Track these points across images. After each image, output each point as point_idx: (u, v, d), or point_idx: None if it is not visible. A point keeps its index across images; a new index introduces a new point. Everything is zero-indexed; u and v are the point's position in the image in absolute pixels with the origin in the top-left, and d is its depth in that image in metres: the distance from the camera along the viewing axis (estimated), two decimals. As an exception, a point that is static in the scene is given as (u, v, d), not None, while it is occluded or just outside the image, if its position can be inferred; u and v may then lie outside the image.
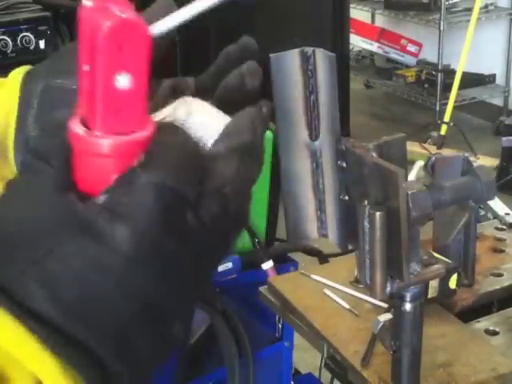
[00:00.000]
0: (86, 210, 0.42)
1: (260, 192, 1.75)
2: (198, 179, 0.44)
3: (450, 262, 1.06)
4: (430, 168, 1.05)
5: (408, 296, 0.92)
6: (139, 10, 0.47)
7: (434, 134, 4.64)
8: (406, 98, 5.37)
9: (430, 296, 1.03)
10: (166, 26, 0.45)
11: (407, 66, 5.51)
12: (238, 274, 1.75)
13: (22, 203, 0.44)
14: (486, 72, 5.19)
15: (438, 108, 4.96)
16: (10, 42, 2.98)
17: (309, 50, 0.67)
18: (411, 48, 5.50)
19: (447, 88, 4.74)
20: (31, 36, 3.01)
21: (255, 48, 0.54)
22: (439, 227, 1.19)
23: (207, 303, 1.75)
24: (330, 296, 1.28)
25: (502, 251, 1.39)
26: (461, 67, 4.60)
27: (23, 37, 3.00)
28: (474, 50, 4.66)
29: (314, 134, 0.73)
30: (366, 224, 0.79)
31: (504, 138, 4.21)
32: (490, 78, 5.20)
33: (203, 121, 0.47)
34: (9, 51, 2.97)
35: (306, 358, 2.50)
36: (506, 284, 1.29)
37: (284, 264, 1.82)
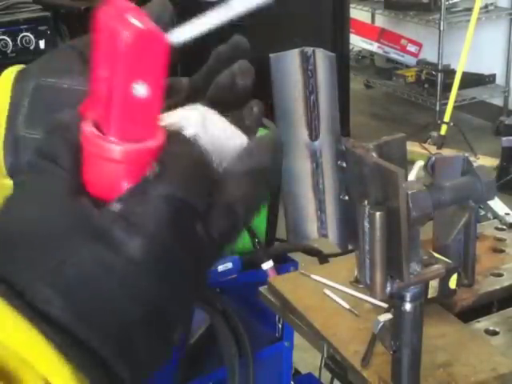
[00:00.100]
0: (101, 218, 0.43)
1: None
2: (207, 191, 0.45)
3: (450, 261, 1.06)
4: (430, 168, 1.05)
5: (408, 296, 0.92)
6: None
7: (434, 134, 4.64)
8: (406, 97, 5.37)
9: (430, 296, 1.03)
10: (184, 36, 0.45)
11: (407, 66, 5.51)
12: (238, 274, 1.75)
13: (34, 204, 0.44)
14: (486, 72, 5.19)
15: (438, 108, 4.96)
16: (10, 42, 2.98)
17: (309, 50, 0.67)
18: (411, 48, 5.50)
19: (447, 88, 4.74)
20: (31, 36, 3.01)
21: (247, 47, 0.54)
22: (439, 227, 1.19)
23: (207, 303, 1.75)
24: (330, 296, 1.28)
25: (502, 251, 1.39)
26: (461, 67, 4.60)
27: (23, 37, 3.00)
28: (473, 50, 4.66)
29: (314, 133, 0.73)
30: (366, 224, 0.79)
31: (504, 138, 4.21)
32: (490, 78, 5.20)
33: (216, 133, 0.48)
34: (9, 51, 2.97)
35: (306, 358, 2.50)
36: (505, 284, 1.29)
37: (284, 264, 1.82)
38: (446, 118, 4.60)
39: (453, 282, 1.07)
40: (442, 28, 4.83)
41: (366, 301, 1.25)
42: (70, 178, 0.44)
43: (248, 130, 0.52)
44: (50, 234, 0.42)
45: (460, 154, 1.07)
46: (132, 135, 0.44)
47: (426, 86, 5.18)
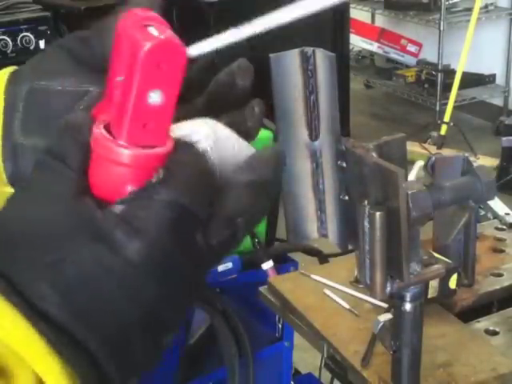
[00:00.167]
0: (104, 219, 0.43)
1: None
2: (209, 201, 0.45)
3: (450, 261, 1.06)
4: (430, 168, 1.05)
5: (408, 296, 0.92)
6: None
7: (434, 134, 4.64)
8: (406, 97, 5.37)
9: (430, 296, 1.03)
10: (203, 50, 0.46)
11: (407, 66, 5.51)
12: (238, 274, 1.75)
13: (37, 203, 0.45)
14: (486, 72, 5.19)
15: (438, 108, 4.96)
16: (10, 42, 2.98)
17: (309, 50, 0.67)
18: (411, 48, 5.50)
19: (447, 88, 4.74)
20: (31, 36, 3.01)
21: (249, 71, 0.54)
22: (439, 227, 1.19)
23: (207, 303, 1.75)
24: (330, 296, 1.28)
25: (502, 251, 1.39)
26: (461, 67, 4.60)
27: (23, 37, 3.00)
28: (474, 50, 4.66)
29: (314, 133, 0.73)
30: (366, 224, 0.79)
31: (504, 138, 4.21)
32: (490, 78, 5.20)
33: (225, 146, 0.49)
34: (9, 51, 2.98)
35: (306, 358, 2.50)
36: (506, 284, 1.29)
37: (284, 264, 1.82)
38: (446, 118, 4.60)
39: (453, 282, 1.07)
40: (442, 28, 4.83)
41: (366, 301, 1.25)
42: (76, 178, 0.45)
43: (250, 131, 0.52)
44: (52, 233, 0.43)
45: (460, 154, 1.07)
46: (142, 141, 0.45)
47: (426, 86, 5.18)
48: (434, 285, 1.03)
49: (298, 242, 1.74)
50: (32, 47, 3.00)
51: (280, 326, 1.83)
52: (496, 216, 1.54)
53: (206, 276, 0.49)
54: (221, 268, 1.71)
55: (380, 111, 5.66)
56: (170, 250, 0.44)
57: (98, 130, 0.45)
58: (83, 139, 0.46)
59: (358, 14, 5.53)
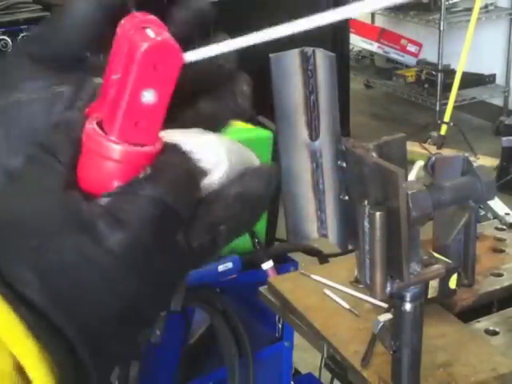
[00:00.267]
0: (89, 211, 0.44)
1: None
2: (194, 203, 0.47)
3: (450, 261, 1.06)
4: (430, 168, 1.05)
5: (408, 296, 0.92)
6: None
7: (434, 134, 4.64)
8: (406, 97, 5.37)
9: (430, 296, 1.03)
10: (200, 56, 0.47)
11: (407, 66, 5.52)
12: (238, 274, 1.75)
13: (27, 195, 0.46)
14: (486, 72, 5.19)
15: (438, 108, 4.97)
16: (10, 42, 2.98)
17: (309, 50, 0.67)
18: (411, 48, 5.51)
19: (447, 88, 4.75)
20: (31, 36, 3.01)
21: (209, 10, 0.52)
22: (439, 227, 1.19)
23: (207, 303, 1.75)
24: (330, 296, 1.28)
25: (502, 251, 1.39)
26: (461, 67, 4.60)
27: (23, 37, 3.00)
28: (474, 49, 4.66)
29: (314, 133, 0.73)
30: (366, 224, 0.79)
31: (504, 138, 4.21)
32: (490, 78, 5.20)
33: (234, 161, 0.50)
34: (9, 51, 2.97)
35: (306, 358, 2.50)
36: (506, 284, 1.29)
37: (284, 264, 1.82)
38: (446, 118, 4.60)
39: (453, 282, 1.07)
40: (442, 28, 4.83)
41: (366, 301, 1.25)
42: (65, 172, 0.46)
43: (240, 108, 0.52)
44: (38, 224, 0.44)
45: (460, 154, 1.07)
46: (132, 138, 0.46)
47: (426, 86, 5.19)
48: (433, 285, 1.03)
49: (298, 242, 1.74)
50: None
51: (280, 325, 1.83)
52: (496, 216, 1.54)
53: (184, 278, 0.50)
54: (221, 268, 1.71)
55: (380, 111, 5.66)
56: (150, 244, 0.45)
57: (91, 126, 0.46)
58: (75, 135, 0.47)
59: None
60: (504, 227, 1.48)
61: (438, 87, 4.98)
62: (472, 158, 1.04)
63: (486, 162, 4.17)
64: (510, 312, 1.23)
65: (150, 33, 0.45)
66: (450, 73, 4.95)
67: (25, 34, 3.00)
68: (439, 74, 4.98)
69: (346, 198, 0.77)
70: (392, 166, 0.75)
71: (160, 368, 1.76)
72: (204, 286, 1.73)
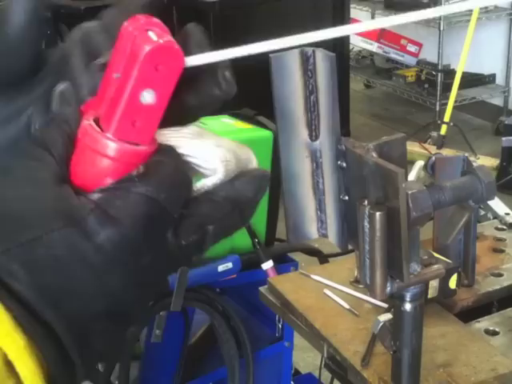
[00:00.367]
0: (80, 205, 0.45)
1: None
2: (183, 202, 0.47)
3: (449, 261, 1.06)
4: (430, 168, 1.05)
5: (408, 296, 0.92)
6: None
7: (434, 134, 4.64)
8: (406, 97, 5.37)
9: (430, 296, 1.03)
10: (201, 61, 0.48)
11: (407, 66, 5.52)
12: (238, 274, 1.75)
13: (19, 187, 0.46)
14: (486, 72, 5.19)
15: (437, 108, 4.96)
16: (10, 42, 2.98)
17: (309, 50, 0.67)
18: (411, 48, 5.50)
19: (447, 88, 4.74)
20: (31, 36, 3.01)
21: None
22: (439, 227, 1.19)
23: (207, 303, 1.75)
24: (330, 296, 1.28)
25: (502, 251, 1.39)
26: (461, 67, 4.60)
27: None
28: (473, 49, 4.66)
29: (314, 134, 0.73)
30: (366, 224, 0.79)
31: (504, 138, 4.21)
32: (490, 78, 5.20)
33: (235, 161, 0.50)
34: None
35: (305, 358, 2.50)
36: (505, 284, 1.29)
37: (284, 264, 1.82)
38: (446, 118, 4.60)
39: (453, 282, 1.07)
40: (441, 28, 4.83)
41: (366, 301, 1.25)
42: (58, 167, 0.47)
43: (226, 94, 0.51)
44: (28, 216, 0.44)
45: (460, 154, 1.07)
46: (128, 137, 0.46)
47: (426, 86, 5.19)
48: (434, 285, 1.03)
49: (298, 242, 1.74)
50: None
51: (280, 326, 1.83)
52: (496, 216, 1.54)
53: (169, 276, 0.50)
54: (221, 268, 1.71)
55: (380, 111, 5.66)
56: (140, 241, 0.45)
57: (88, 122, 0.47)
58: (69, 130, 0.48)
59: (358, 13, 5.53)
60: (504, 227, 1.48)
61: (438, 87, 4.98)
62: (472, 158, 1.04)
63: (486, 162, 4.17)
64: (510, 312, 1.23)
65: (153, 35, 0.46)
66: (450, 73, 4.95)
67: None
68: (439, 74, 4.98)
69: (346, 198, 0.77)
70: (392, 165, 0.75)
71: (160, 368, 1.76)
72: (204, 286, 1.73)
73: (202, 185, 0.49)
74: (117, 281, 0.45)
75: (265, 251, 1.77)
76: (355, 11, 5.30)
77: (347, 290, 1.28)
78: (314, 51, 0.67)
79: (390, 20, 0.47)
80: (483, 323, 1.20)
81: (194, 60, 0.48)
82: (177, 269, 0.50)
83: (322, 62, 0.67)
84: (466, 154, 1.08)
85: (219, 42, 3.15)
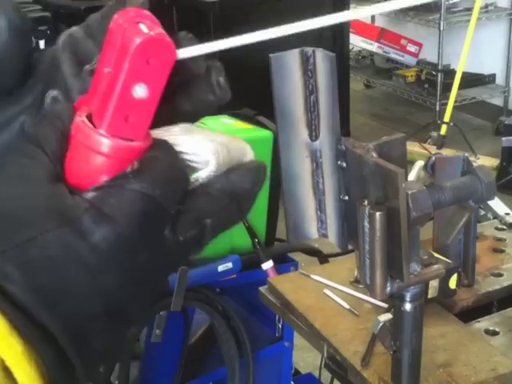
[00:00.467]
0: (74, 204, 0.44)
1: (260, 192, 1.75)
2: (180, 198, 0.46)
3: (449, 261, 1.06)
4: (430, 168, 1.05)
5: (408, 296, 0.92)
6: None
7: (434, 134, 4.64)
8: (406, 97, 5.37)
9: (430, 296, 1.03)
10: (192, 53, 0.47)
11: (407, 66, 5.52)
12: (238, 274, 1.75)
13: (12, 186, 0.45)
14: (486, 72, 5.19)
15: (437, 108, 4.96)
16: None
17: (309, 50, 0.67)
18: (411, 48, 5.50)
19: (447, 88, 4.74)
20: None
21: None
22: (439, 227, 1.19)
23: (207, 303, 1.75)
24: (330, 296, 1.28)
25: (502, 251, 1.39)
26: (461, 67, 4.60)
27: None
28: (473, 49, 4.66)
29: (314, 134, 0.73)
30: (366, 224, 0.79)
31: (504, 138, 4.21)
32: (490, 78, 5.20)
33: (231, 156, 0.49)
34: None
35: (305, 358, 2.50)
36: (505, 284, 1.29)
37: (284, 264, 1.82)
38: (446, 118, 4.60)
39: (453, 282, 1.07)
40: (442, 28, 4.83)
41: (366, 301, 1.25)
42: (52, 165, 0.46)
43: (221, 100, 0.52)
44: (22, 216, 0.43)
45: (460, 154, 1.07)
46: (122, 133, 0.45)
47: (426, 86, 5.19)
48: (433, 285, 1.03)
49: (298, 242, 1.74)
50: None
51: (280, 326, 1.83)
52: (496, 216, 1.54)
53: (170, 274, 0.50)
54: (221, 268, 1.71)
55: (380, 111, 5.66)
56: (136, 239, 0.44)
57: (80, 118, 0.46)
58: (62, 127, 0.47)
59: (358, 14, 5.52)
60: (504, 227, 1.48)
61: (438, 87, 4.98)
62: (472, 158, 1.04)
63: (486, 162, 4.17)
64: (510, 312, 1.23)
65: (144, 28, 0.45)
66: (450, 73, 4.95)
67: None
68: (439, 74, 4.98)
69: (346, 198, 0.77)
70: (392, 165, 0.75)
71: (160, 368, 1.77)
72: (204, 286, 1.73)
73: (196, 178, 0.48)
74: (112, 280, 0.44)
75: (265, 251, 1.77)
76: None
77: (347, 290, 1.28)
78: (314, 51, 0.67)
79: (381, 7, 0.47)
80: (483, 323, 1.20)
81: (186, 52, 0.47)
82: (176, 266, 0.49)
83: (322, 62, 0.67)
84: (466, 154, 1.08)
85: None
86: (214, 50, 0.47)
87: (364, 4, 5.64)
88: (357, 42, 5.59)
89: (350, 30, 4.68)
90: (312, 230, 0.80)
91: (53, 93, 0.54)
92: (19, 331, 0.41)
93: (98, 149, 0.45)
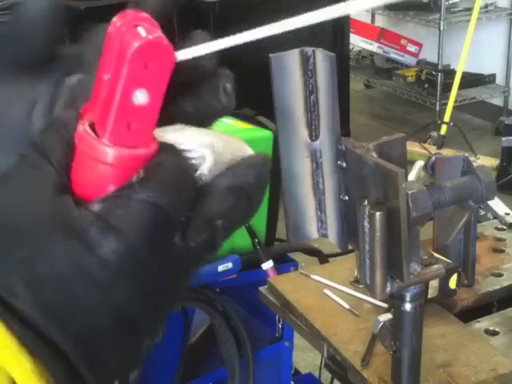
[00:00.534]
0: (80, 216, 0.42)
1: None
2: (189, 204, 0.45)
3: (449, 261, 1.06)
4: (430, 168, 1.05)
5: (408, 296, 0.92)
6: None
7: (434, 134, 4.64)
8: (406, 97, 5.37)
9: (430, 296, 1.03)
10: (192, 55, 0.46)
11: (407, 66, 5.52)
12: (238, 274, 1.75)
13: (17, 197, 0.44)
14: (486, 72, 5.19)
15: (437, 108, 4.97)
16: (10, 42, 2.98)
17: (309, 50, 0.67)
18: (411, 48, 5.50)
19: (447, 88, 4.74)
20: (31, 36, 3.01)
21: None
22: (439, 227, 1.19)
23: (207, 303, 1.75)
24: (330, 296, 1.28)
25: (502, 251, 1.39)
26: (461, 67, 4.60)
27: None
28: (473, 49, 4.66)
29: (314, 134, 0.73)
30: (366, 224, 0.79)
31: (504, 138, 4.21)
32: (490, 78, 5.20)
33: (225, 153, 0.48)
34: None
35: (305, 358, 2.50)
36: (505, 284, 1.29)
37: (284, 264, 1.82)
38: (446, 118, 4.60)
39: (453, 282, 1.07)
40: (442, 28, 4.83)
41: (366, 301, 1.25)
42: (57, 175, 0.45)
43: (225, 108, 0.51)
44: (27, 229, 0.42)
45: (460, 154, 1.07)
46: (125, 141, 0.44)
47: (426, 86, 5.19)
48: (434, 285, 1.03)
49: (298, 242, 1.74)
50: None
51: (280, 326, 1.83)
52: (496, 216, 1.54)
53: (187, 279, 0.48)
54: (221, 268, 1.71)
55: (380, 111, 5.66)
56: (146, 250, 0.43)
57: (83, 128, 0.45)
58: (68, 136, 0.45)
59: (358, 13, 5.53)
60: (504, 227, 1.48)
61: (438, 87, 4.98)
62: (472, 158, 1.04)
63: (486, 162, 4.17)
64: (510, 312, 1.23)
65: (142, 31, 0.44)
66: (450, 73, 4.95)
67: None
68: (439, 74, 4.98)
69: (346, 198, 0.77)
70: (392, 165, 0.75)
71: (160, 368, 1.76)
72: (204, 285, 1.73)
73: (199, 176, 0.46)
74: (123, 294, 0.42)
75: (265, 251, 1.77)
76: (355, 11, 5.30)
77: (347, 290, 1.28)
78: (314, 51, 0.67)
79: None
80: (483, 323, 1.20)
81: (186, 54, 0.46)
82: (190, 273, 0.47)
83: (322, 62, 0.67)
84: (466, 154, 1.08)
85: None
86: (213, 49, 0.46)
87: (364, 4, 5.65)
88: (357, 41, 5.59)
89: (350, 30, 4.68)
90: (312, 229, 0.80)
91: (76, 77, 0.53)
92: (28, 348, 0.40)
93: (102, 159, 0.44)
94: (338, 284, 1.30)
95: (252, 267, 1.77)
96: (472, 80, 5.07)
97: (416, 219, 0.81)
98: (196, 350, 1.88)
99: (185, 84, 0.49)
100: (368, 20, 5.82)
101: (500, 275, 1.31)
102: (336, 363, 1.18)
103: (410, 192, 0.81)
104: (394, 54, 5.55)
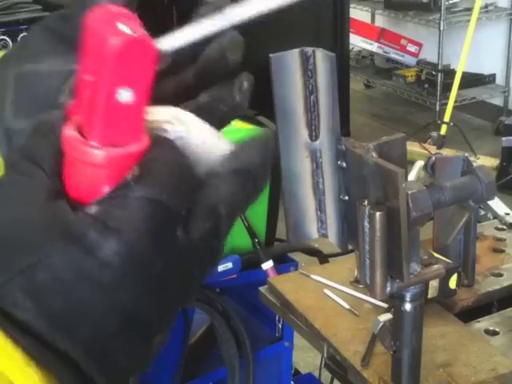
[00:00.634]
0: (78, 220, 0.42)
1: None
2: (189, 196, 0.44)
3: (449, 261, 1.06)
4: (430, 168, 1.05)
5: (408, 296, 0.92)
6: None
7: (434, 134, 4.64)
8: (406, 97, 5.37)
9: (430, 296, 1.03)
10: (174, 45, 0.45)
11: (407, 66, 5.52)
12: (238, 274, 1.75)
13: (11, 206, 0.43)
14: (486, 72, 5.19)
15: (437, 108, 4.97)
16: (10, 42, 2.98)
17: (309, 50, 0.67)
18: (411, 48, 5.51)
19: (447, 88, 4.75)
20: (31, 36, 3.01)
21: (239, 45, 0.51)
22: (439, 227, 1.19)
23: (207, 303, 1.75)
24: (330, 296, 1.28)
25: (502, 251, 1.39)
26: (461, 67, 4.60)
27: (23, 37, 3.00)
28: (473, 49, 4.66)
29: (314, 134, 0.73)
30: (366, 224, 0.79)
31: (504, 138, 4.21)
32: (490, 78, 5.20)
33: (201, 138, 0.47)
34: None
35: (305, 358, 2.50)
36: (505, 284, 1.29)
37: (284, 264, 1.82)
38: (446, 118, 4.60)
39: (453, 282, 1.07)
40: (442, 28, 4.83)
41: (366, 301, 1.25)
42: (50, 181, 0.43)
43: (238, 106, 0.50)
44: (24, 238, 0.41)
45: (460, 154, 1.07)
46: (114, 140, 0.43)
47: (426, 86, 5.19)
48: (433, 285, 1.03)
49: (298, 242, 1.74)
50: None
51: (280, 326, 1.83)
52: (496, 216, 1.54)
53: (200, 275, 0.46)
54: (221, 268, 1.71)
55: (380, 111, 5.66)
56: (148, 248, 0.42)
57: (69, 132, 0.43)
58: (56, 140, 0.44)
59: (358, 13, 5.53)
60: (504, 227, 1.48)
61: (438, 87, 4.98)
62: (472, 158, 1.04)
63: (486, 162, 4.17)
64: (510, 312, 1.23)
65: (122, 27, 0.42)
66: (450, 73, 4.95)
67: (25, 33, 3.00)
68: (439, 74, 4.98)
69: (346, 198, 0.77)
70: (392, 165, 0.75)
71: (160, 368, 1.76)
72: (204, 285, 1.73)
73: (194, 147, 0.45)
74: (128, 295, 0.41)
75: (265, 251, 1.77)
76: (355, 11, 5.31)
77: (347, 290, 1.28)
78: (314, 51, 0.67)
79: None
80: (483, 323, 1.20)
81: (168, 43, 0.44)
82: (203, 268, 0.45)
83: (322, 62, 0.67)
84: (466, 154, 1.08)
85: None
86: (195, 37, 0.45)
87: (364, 3, 5.65)
88: (357, 41, 5.59)
89: (350, 30, 4.68)
90: (312, 229, 0.80)
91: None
92: (34, 359, 0.39)
93: (92, 161, 0.43)
94: (337, 284, 1.30)
95: (252, 267, 1.77)
96: (472, 80, 5.07)
97: (416, 219, 0.81)
98: (196, 349, 1.87)
99: (206, 74, 0.48)
100: (368, 20, 5.82)
101: (500, 275, 1.31)
102: (336, 363, 1.18)
103: (409, 192, 0.81)
104: (393, 54, 5.55)
